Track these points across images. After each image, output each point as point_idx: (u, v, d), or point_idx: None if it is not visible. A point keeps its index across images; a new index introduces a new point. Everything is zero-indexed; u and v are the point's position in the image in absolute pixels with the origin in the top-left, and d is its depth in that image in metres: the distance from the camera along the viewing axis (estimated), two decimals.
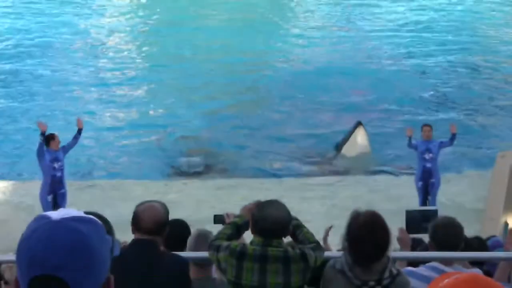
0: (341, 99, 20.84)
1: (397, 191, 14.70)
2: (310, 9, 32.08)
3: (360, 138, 17.03)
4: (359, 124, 17.14)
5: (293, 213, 4.70)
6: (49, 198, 12.89)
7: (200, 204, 14.27)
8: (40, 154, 12.77)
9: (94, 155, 17.97)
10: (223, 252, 4.58)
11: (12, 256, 5.58)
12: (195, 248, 5.30)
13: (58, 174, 12.94)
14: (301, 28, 29.41)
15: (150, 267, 4.70)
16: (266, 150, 18.20)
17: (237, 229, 4.85)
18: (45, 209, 12.68)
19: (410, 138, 13.84)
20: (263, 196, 5.04)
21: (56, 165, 12.86)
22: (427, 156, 13.55)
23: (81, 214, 1.95)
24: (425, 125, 14.00)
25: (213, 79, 22.90)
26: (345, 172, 16.58)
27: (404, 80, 22.92)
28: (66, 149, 13.04)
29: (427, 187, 13.60)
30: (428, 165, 13.55)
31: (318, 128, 19.14)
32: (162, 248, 4.93)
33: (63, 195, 13.06)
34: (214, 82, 22.65)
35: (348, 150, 17.09)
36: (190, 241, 5.44)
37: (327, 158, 17.56)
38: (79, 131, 13.16)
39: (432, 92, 22.13)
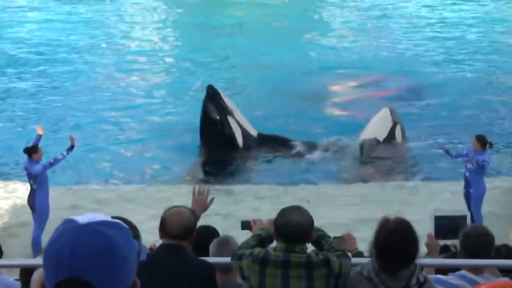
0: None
1: None
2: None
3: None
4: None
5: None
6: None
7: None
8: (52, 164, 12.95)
9: (113, 160, 17.92)
10: (246, 259, 4.58)
11: (39, 260, 5.62)
12: (217, 254, 5.32)
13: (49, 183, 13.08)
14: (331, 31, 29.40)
15: (177, 271, 4.71)
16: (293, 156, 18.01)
17: (261, 241, 4.86)
18: (44, 219, 12.77)
19: (447, 152, 14.08)
20: (285, 204, 5.03)
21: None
22: (468, 165, 13.48)
23: (108, 218, 1.96)
24: (477, 135, 13.90)
25: (234, 84, 22.87)
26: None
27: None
28: (52, 164, 12.88)
29: (469, 195, 13.51)
30: (467, 174, 13.46)
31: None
32: (189, 253, 4.94)
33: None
34: (235, 87, 22.61)
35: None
36: (212, 247, 5.45)
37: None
38: (72, 147, 13.09)
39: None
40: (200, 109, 17.31)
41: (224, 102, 16.91)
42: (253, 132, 17.47)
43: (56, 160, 12.86)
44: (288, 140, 17.65)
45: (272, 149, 17.37)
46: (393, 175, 16.72)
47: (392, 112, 18.12)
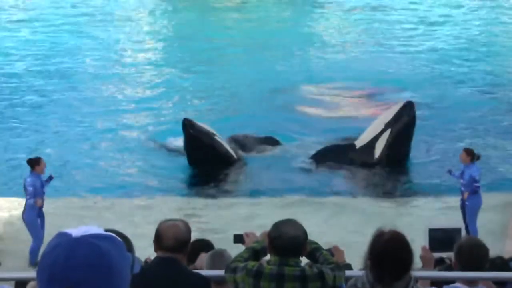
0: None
1: None
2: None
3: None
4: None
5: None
6: (38, 220, 12.97)
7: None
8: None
9: (113, 171, 17.86)
10: (240, 273, 4.57)
11: (33, 273, 5.60)
12: (211, 267, 5.31)
13: (44, 196, 13.11)
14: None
15: (172, 284, 4.70)
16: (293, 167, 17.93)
17: (255, 254, 4.85)
18: (35, 230, 12.84)
19: (450, 173, 14.05)
20: (282, 216, 5.03)
21: (43, 189, 13.01)
22: (461, 179, 13.51)
23: (101, 231, 1.96)
24: (465, 148, 13.94)
25: (234, 95, 22.94)
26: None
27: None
28: (34, 186, 12.93)
29: (465, 207, 13.53)
30: (462, 188, 13.52)
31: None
32: (184, 265, 4.93)
33: (43, 217, 13.15)
34: (234, 98, 22.67)
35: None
36: (206, 260, 5.44)
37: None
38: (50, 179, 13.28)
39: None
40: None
41: (203, 128, 17.41)
42: (230, 141, 18.17)
43: (36, 190, 12.89)
44: (249, 136, 18.44)
45: (253, 149, 18.18)
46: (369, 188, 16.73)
47: (405, 108, 17.49)
